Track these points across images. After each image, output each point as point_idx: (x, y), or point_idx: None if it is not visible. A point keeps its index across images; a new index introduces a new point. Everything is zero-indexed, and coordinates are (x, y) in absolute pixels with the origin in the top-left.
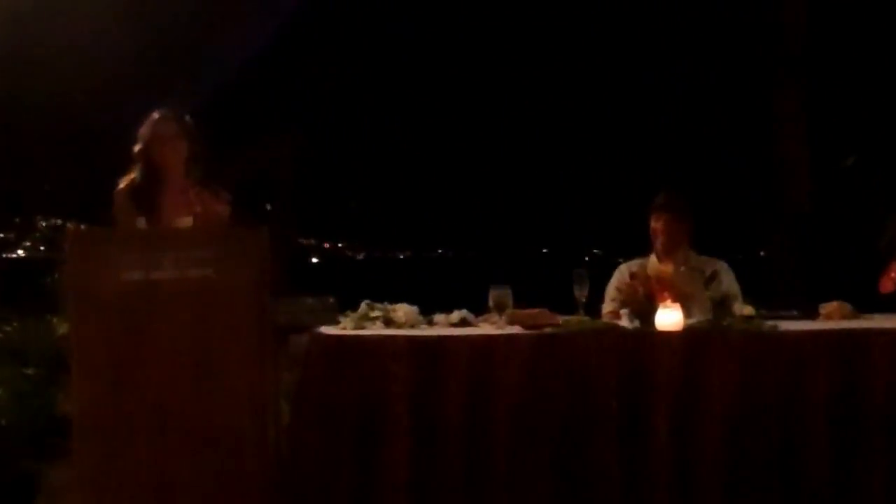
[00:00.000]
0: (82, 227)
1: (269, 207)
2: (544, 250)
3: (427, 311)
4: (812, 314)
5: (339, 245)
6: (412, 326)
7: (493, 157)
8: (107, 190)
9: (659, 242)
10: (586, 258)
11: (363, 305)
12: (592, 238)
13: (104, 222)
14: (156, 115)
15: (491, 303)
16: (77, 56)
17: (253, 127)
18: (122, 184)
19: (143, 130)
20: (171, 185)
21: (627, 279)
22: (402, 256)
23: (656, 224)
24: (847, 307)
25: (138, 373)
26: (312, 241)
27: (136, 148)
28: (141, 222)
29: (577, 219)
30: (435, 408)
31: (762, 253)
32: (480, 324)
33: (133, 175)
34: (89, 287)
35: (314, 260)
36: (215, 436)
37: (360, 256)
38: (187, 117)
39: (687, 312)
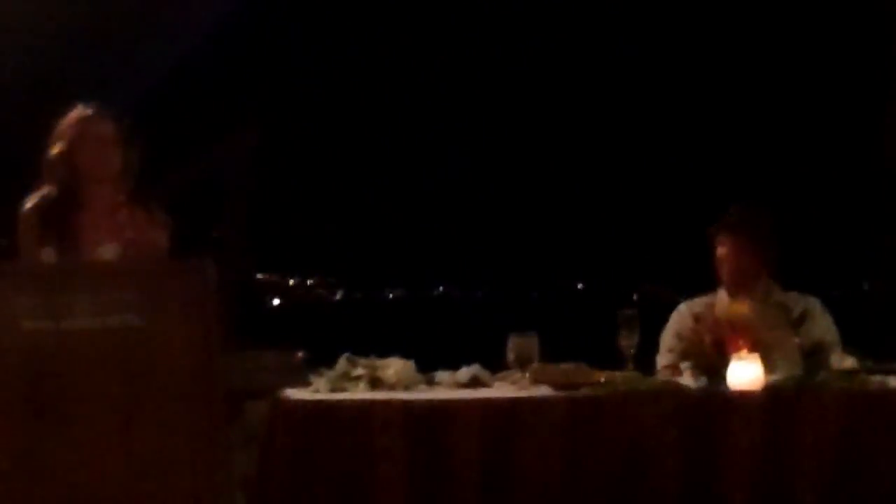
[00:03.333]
0: None
1: (215, 234)
2: (579, 286)
3: (426, 368)
4: None
5: (309, 282)
6: (407, 388)
7: (510, 162)
8: (9, 211)
9: (726, 273)
10: (634, 296)
11: (342, 361)
12: (642, 270)
13: (5, 254)
14: (87, 112)
15: (511, 355)
16: None
17: (195, 126)
18: (31, 202)
19: (67, 129)
20: (95, 204)
21: (690, 323)
22: (391, 296)
23: (722, 249)
24: None
25: (45, 455)
26: (273, 278)
27: (55, 151)
28: (48, 253)
29: (623, 245)
30: (439, 494)
31: (865, 288)
32: (497, 383)
33: (46, 190)
34: None
35: (276, 302)
36: None
37: (337, 297)
38: (122, 117)
39: (769, 365)
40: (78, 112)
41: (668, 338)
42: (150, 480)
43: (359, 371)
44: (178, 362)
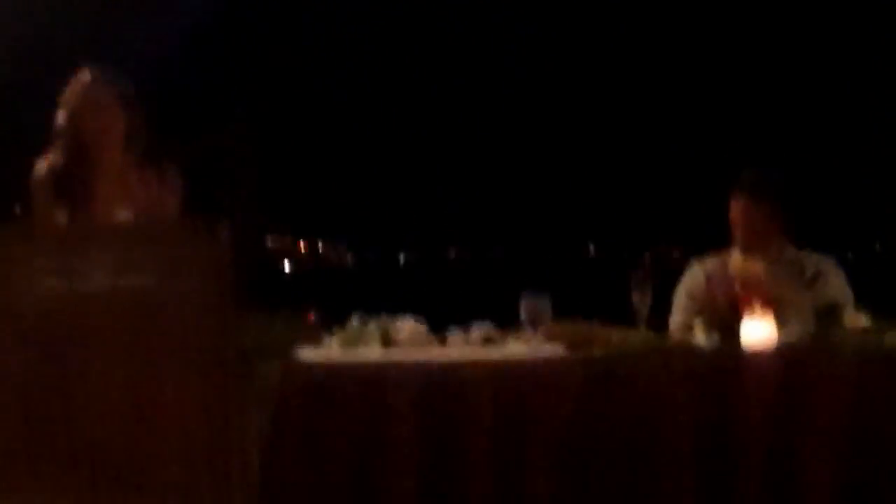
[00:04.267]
0: None
1: (226, 198)
2: (591, 247)
3: (438, 328)
4: None
5: (319, 246)
6: (419, 348)
7: (520, 122)
8: (20, 176)
9: (739, 233)
10: (646, 256)
11: (354, 321)
12: (655, 230)
13: (18, 218)
14: (87, 77)
15: (523, 316)
16: None
17: (205, 94)
18: (42, 167)
19: (69, 96)
20: (104, 168)
21: (702, 282)
22: (402, 260)
23: (736, 209)
24: None
25: (60, 413)
26: (284, 242)
27: (60, 119)
28: (61, 216)
29: (635, 205)
30: (451, 455)
31: (879, 248)
32: (510, 344)
33: (55, 155)
34: None
35: (286, 267)
36: (162, 494)
37: (348, 260)
38: (124, 80)
39: (782, 324)
40: (79, 77)
41: (680, 297)
42: (165, 440)
43: (371, 331)
44: (191, 322)
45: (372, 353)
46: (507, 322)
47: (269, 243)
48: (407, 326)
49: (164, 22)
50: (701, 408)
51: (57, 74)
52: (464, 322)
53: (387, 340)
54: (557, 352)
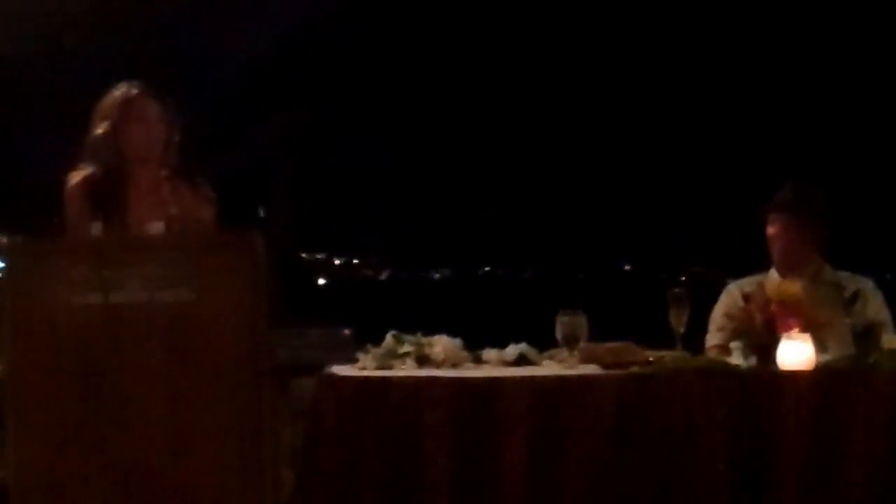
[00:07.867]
0: (19, 238)
1: (261, 213)
2: (627, 267)
3: (474, 346)
4: None
5: (355, 262)
6: (454, 366)
7: (558, 142)
8: (53, 188)
9: (776, 252)
10: (684, 276)
11: (389, 338)
12: (692, 249)
13: (52, 231)
14: (131, 91)
15: (559, 334)
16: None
17: (245, 108)
18: (76, 178)
19: (109, 107)
20: (140, 181)
21: (740, 303)
22: (437, 276)
23: (773, 228)
24: None
25: (95, 427)
26: (319, 257)
27: (99, 130)
28: (96, 228)
29: (672, 225)
30: (486, 471)
31: None
32: (545, 362)
33: (89, 167)
34: (31, 314)
35: (322, 281)
36: None
37: (383, 276)
38: (165, 95)
39: (820, 345)
40: (122, 91)
41: (717, 317)
42: (197, 453)
43: (406, 348)
44: (226, 336)
45: (406, 370)
46: (543, 341)
47: (305, 258)
48: (442, 344)
49: (203, 22)
50: (737, 428)
51: (90, 87)
52: (500, 341)
53: (422, 358)
54: (592, 371)
